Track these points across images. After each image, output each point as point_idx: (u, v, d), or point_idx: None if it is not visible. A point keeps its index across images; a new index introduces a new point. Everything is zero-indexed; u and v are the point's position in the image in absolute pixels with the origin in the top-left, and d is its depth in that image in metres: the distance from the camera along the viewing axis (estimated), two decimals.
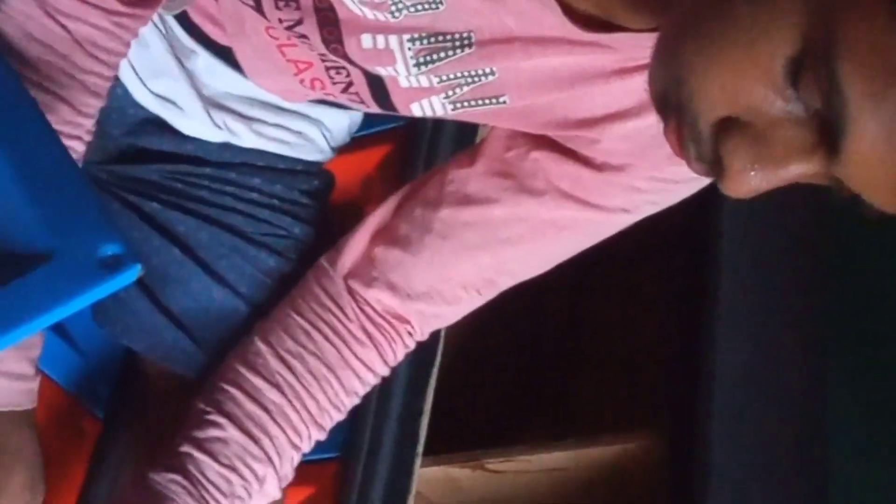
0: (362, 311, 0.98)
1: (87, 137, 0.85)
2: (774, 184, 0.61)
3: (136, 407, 1.07)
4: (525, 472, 1.47)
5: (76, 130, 0.83)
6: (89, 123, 0.84)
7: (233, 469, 0.92)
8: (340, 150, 1.17)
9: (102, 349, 1.10)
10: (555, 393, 1.64)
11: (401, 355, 1.01)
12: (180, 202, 1.05)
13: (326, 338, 0.97)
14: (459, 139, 1.34)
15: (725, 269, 1.49)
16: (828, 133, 0.58)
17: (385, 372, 1.00)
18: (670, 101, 0.64)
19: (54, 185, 0.69)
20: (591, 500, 1.48)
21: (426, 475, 1.38)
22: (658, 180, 0.90)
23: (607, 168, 0.89)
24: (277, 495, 0.96)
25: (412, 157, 1.32)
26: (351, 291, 0.98)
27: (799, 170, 0.61)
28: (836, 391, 1.65)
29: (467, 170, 0.96)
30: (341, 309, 0.97)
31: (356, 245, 0.99)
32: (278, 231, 1.07)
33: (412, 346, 1.01)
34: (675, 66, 0.63)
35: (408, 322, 0.98)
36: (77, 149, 0.84)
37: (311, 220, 1.10)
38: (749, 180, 0.61)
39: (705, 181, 0.90)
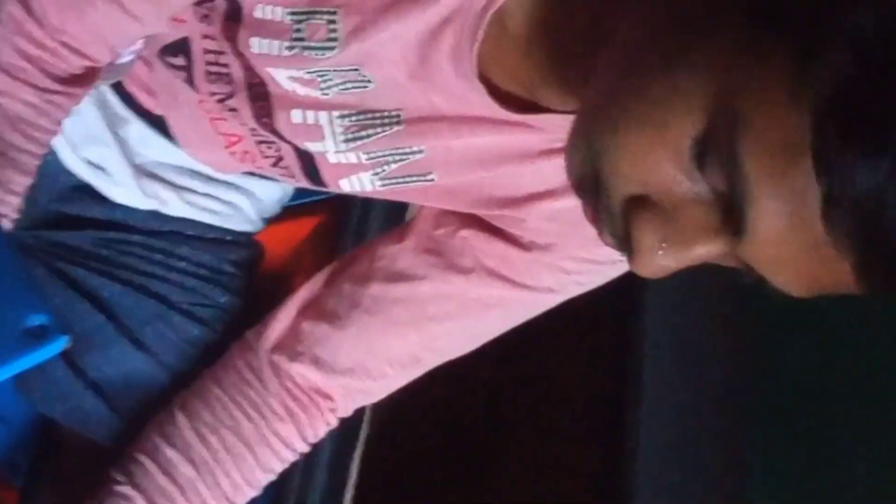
0: (284, 386, 0.97)
1: (14, 215, 0.84)
2: (682, 263, 0.63)
3: (53, 476, 1.05)
4: None
5: (3, 208, 0.83)
6: (16, 201, 0.84)
7: None
8: (271, 219, 1.17)
9: (22, 418, 1.08)
10: (480, 462, 1.64)
11: (322, 432, 1.00)
12: (107, 269, 1.04)
13: (244, 412, 0.96)
14: (390, 211, 1.34)
15: (649, 347, 1.51)
16: (732, 214, 0.59)
17: (304, 449, 0.99)
18: (586, 177, 0.65)
19: None
20: None
21: None
22: (585, 261, 0.91)
23: (534, 247, 0.91)
24: None
25: (343, 229, 1.33)
26: (274, 366, 0.97)
27: (705, 250, 0.62)
28: (756, 465, 1.68)
29: (397, 246, 0.96)
30: (263, 383, 0.97)
31: (283, 318, 0.98)
32: (205, 300, 1.07)
33: (334, 423, 1.00)
34: (589, 142, 0.64)
35: (331, 398, 0.98)
36: (4, 226, 0.84)
37: (237, 290, 1.10)
38: (657, 259, 0.62)
39: None
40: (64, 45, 0.81)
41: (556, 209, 0.87)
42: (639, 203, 0.62)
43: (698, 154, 0.60)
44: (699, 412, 1.58)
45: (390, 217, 1.34)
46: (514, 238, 0.91)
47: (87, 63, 0.83)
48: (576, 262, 0.91)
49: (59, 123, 0.85)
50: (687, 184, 0.60)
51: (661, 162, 0.61)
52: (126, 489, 0.92)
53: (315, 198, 1.30)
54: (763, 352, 1.70)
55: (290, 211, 1.25)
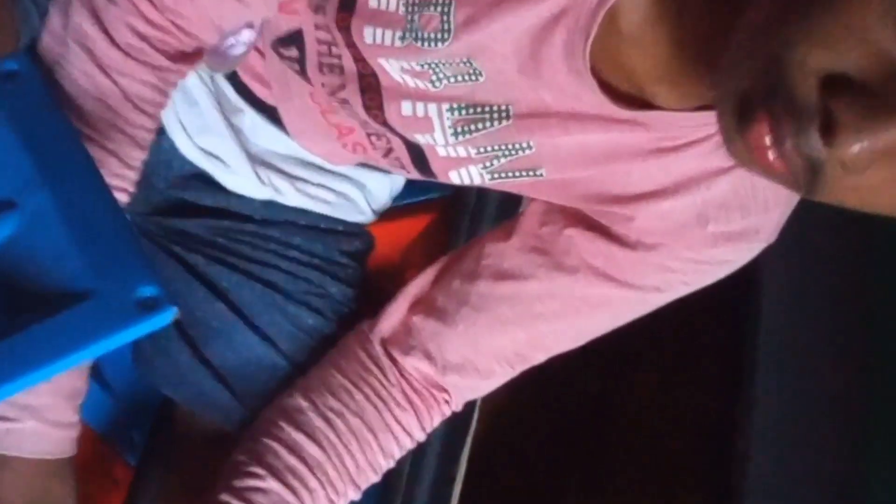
0: (402, 377, 0.99)
1: (132, 189, 0.87)
2: (893, 141, 0.58)
3: (169, 456, 1.08)
4: None
5: (122, 182, 0.85)
6: (134, 175, 0.86)
7: None
8: (385, 216, 1.18)
9: (138, 397, 1.11)
10: (588, 465, 1.63)
11: (437, 422, 1.01)
12: (223, 257, 1.07)
13: (368, 399, 0.98)
14: (503, 210, 1.35)
15: (763, 350, 1.49)
16: None
17: (421, 437, 1.00)
18: (755, 88, 0.61)
19: (98, 229, 0.71)
20: None
21: None
22: (692, 261, 0.90)
23: (641, 247, 0.90)
24: None
25: (455, 227, 1.34)
26: (390, 357, 0.99)
27: None
28: (876, 476, 1.63)
29: (504, 244, 0.97)
30: (383, 372, 0.99)
31: (395, 313, 1.00)
32: (317, 290, 1.09)
33: (448, 414, 1.01)
34: (765, 48, 0.61)
35: (445, 391, 0.99)
36: (122, 199, 0.86)
37: (349, 280, 1.11)
38: (868, 138, 0.58)
39: (739, 263, 0.91)
40: (175, 24, 0.83)
41: (664, 208, 0.86)
42: (835, 84, 0.58)
43: None
44: (815, 421, 1.55)
45: (503, 215, 1.34)
46: (621, 237, 0.90)
47: (195, 43, 0.85)
48: (682, 262, 0.90)
49: (168, 97, 0.87)
50: (894, 53, 0.58)
51: (864, 31, 0.58)
52: (255, 468, 0.94)
53: (428, 196, 1.32)
54: (882, 355, 1.66)
55: (405, 209, 1.26)
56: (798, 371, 1.55)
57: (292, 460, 0.94)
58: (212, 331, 1.05)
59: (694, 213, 0.86)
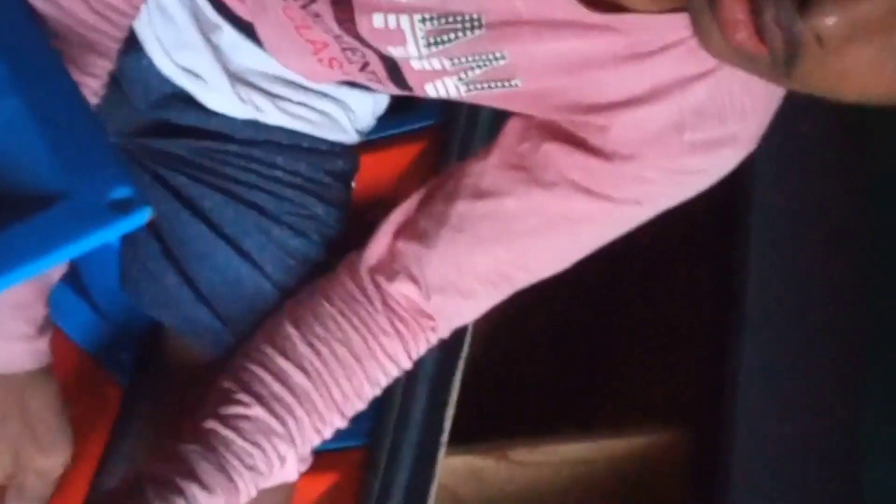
0: (387, 304, 0.98)
1: (94, 100, 0.85)
2: (872, 13, 0.56)
3: (158, 377, 1.09)
4: (550, 463, 1.47)
5: (83, 90, 0.83)
6: (96, 84, 0.85)
7: (256, 445, 0.93)
8: (375, 145, 1.18)
9: (127, 317, 1.12)
10: (583, 386, 1.64)
11: (423, 350, 1.01)
12: (206, 177, 1.06)
13: (354, 327, 0.98)
14: (493, 136, 1.35)
15: (754, 270, 1.49)
16: None
17: (408, 365, 1.01)
18: None
19: (69, 130, 0.71)
20: (615, 495, 1.48)
21: (450, 466, 1.39)
22: (669, 171, 0.90)
23: (618, 157, 0.89)
24: (294, 476, 0.97)
25: (446, 154, 1.34)
26: (376, 284, 0.99)
27: None
28: (870, 396, 1.64)
29: (483, 163, 0.96)
30: (369, 300, 0.99)
31: (380, 240, 1.00)
32: (301, 210, 1.09)
33: (434, 342, 1.01)
34: None
35: (430, 317, 0.99)
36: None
37: (333, 200, 1.11)
38: (839, 7, 0.56)
39: (722, 171, 0.90)
40: None
41: (639, 116, 0.86)
42: None
43: None
44: (807, 340, 1.55)
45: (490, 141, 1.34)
46: (597, 149, 0.90)
47: None
48: (660, 172, 0.89)
49: (136, 8, 0.85)
50: None
51: None
52: (242, 396, 0.94)
53: (419, 125, 1.31)
54: (880, 281, 1.67)
55: (394, 138, 1.26)
56: (790, 291, 1.55)
57: (278, 388, 0.95)
58: (196, 252, 1.06)
59: (670, 120, 0.86)
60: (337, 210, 1.12)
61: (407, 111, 1.29)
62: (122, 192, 0.69)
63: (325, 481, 1.15)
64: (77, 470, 1.01)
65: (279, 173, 1.09)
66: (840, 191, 1.66)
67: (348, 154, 1.15)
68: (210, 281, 1.05)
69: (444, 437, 1.19)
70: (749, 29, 0.59)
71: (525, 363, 1.67)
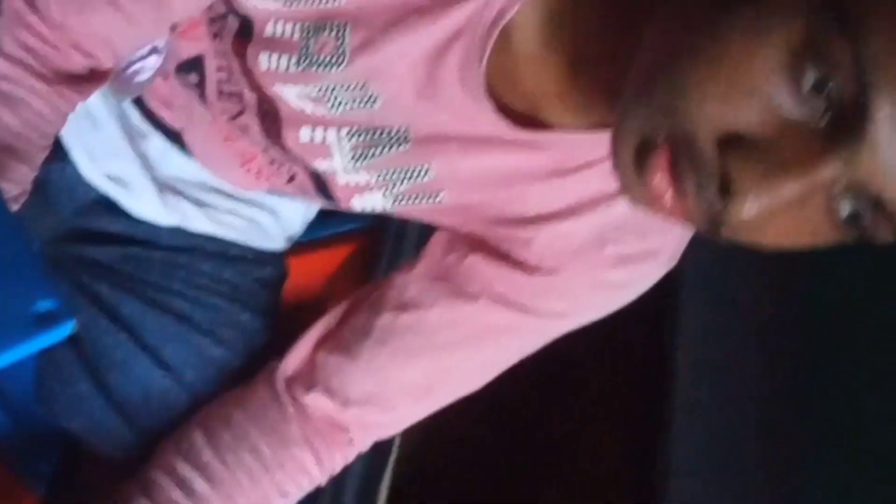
0: (302, 414, 0.98)
1: (14, 206, 0.84)
2: (791, 197, 0.59)
3: (74, 487, 1.07)
4: None
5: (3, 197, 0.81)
6: (17, 191, 0.84)
7: None
8: (304, 248, 1.18)
9: (45, 427, 1.10)
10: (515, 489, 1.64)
11: (339, 465, 1.00)
12: (130, 285, 1.05)
13: (264, 435, 0.97)
14: (423, 241, 1.35)
15: (681, 378, 1.51)
16: (846, 123, 0.57)
17: (321, 478, 0.99)
18: (653, 139, 0.62)
19: None
20: None
21: None
22: (593, 285, 0.91)
23: (541, 271, 0.90)
24: None
25: (376, 258, 1.34)
26: (292, 395, 0.98)
27: (816, 177, 0.59)
28: (805, 487, 1.65)
29: (408, 274, 0.97)
30: (281, 409, 0.98)
31: (301, 350, 0.99)
32: (226, 318, 1.08)
33: (351, 456, 1.00)
34: (660, 95, 0.62)
35: (346, 430, 0.98)
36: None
37: (259, 308, 1.11)
38: (764, 198, 0.59)
39: (644, 286, 0.92)
40: (66, 40, 0.81)
41: (563, 231, 0.87)
42: (731, 143, 0.59)
43: (797, 71, 0.58)
44: (736, 425, 1.58)
45: (422, 245, 1.35)
46: (521, 262, 0.90)
47: (90, 63, 0.83)
48: (583, 286, 0.91)
49: (64, 117, 0.85)
50: (786, 109, 0.59)
51: (754, 90, 0.59)
52: (142, 502, 0.93)
53: (349, 227, 1.32)
54: (806, 373, 1.69)
55: (324, 240, 1.26)
56: (718, 391, 1.57)
57: (178, 495, 0.93)
58: (114, 362, 1.04)
59: (592, 234, 0.87)
60: (263, 318, 1.11)
61: (337, 212, 1.29)
62: (46, 305, 0.68)
63: None
64: None
65: (205, 281, 1.08)
66: (768, 284, 1.69)
67: (276, 261, 1.15)
68: (125, 390, 1.04)
69: None
70: (675, 204, 0.63)
71: (455, 462, 1.67)
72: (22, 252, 0.70)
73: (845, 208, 0.61)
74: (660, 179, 0.63)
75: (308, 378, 0.97)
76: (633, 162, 0.64)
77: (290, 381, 0.98)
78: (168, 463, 0.95)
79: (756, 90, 0.59)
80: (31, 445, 1.11)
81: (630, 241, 0.87)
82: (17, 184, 0.83)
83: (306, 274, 1.25)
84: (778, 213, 0.61)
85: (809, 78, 0.58)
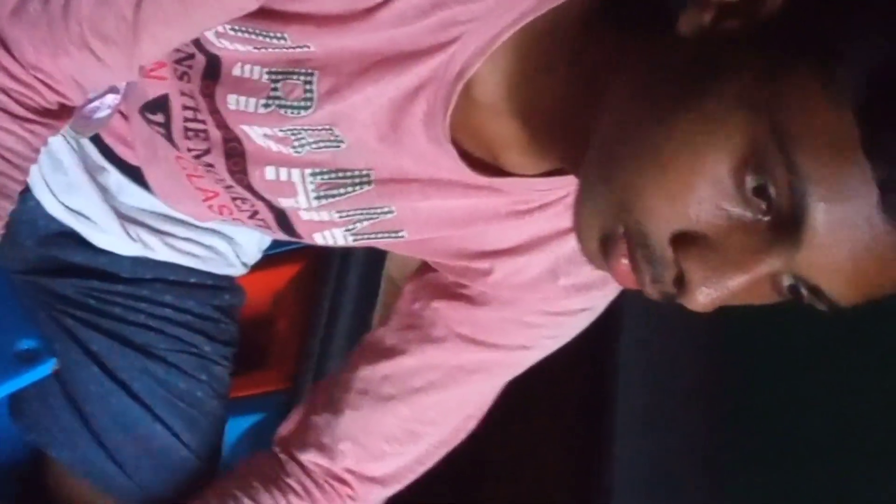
0: (301, 469, 1.01)
1: None
2: (740, 288, 0.65)
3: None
4: None
5: None
6: None
7: None
8: (253, 267, 1.20)
9: (10, 451, 1.10)
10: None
11: None
12: (94, 319, 1.07)
13: (265, 485, 1.00)
14: (370, 258, 1.38)
15: (622, 402, 1.54)
16: (785, 226, 0.62)
17: None
18: (615, 231, 0.67)
19: None
20: None
21: None
22: (549, 314, 0.94)
23: (498, 304, 0.94)
24: None
25: (323, 275, 1.36)
26: (289, 453, 1.02)
27: (760, 271, 0.64)
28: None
29: (384, 329, 1.01)
30: (282, 466, 1.02)
31: (295, 416, 1.04)
32: (189, 349, 1.10)
33: None
34: (614, 195, 0.67)
35: (347, 485, 1.02)
36: None
37: (222, 338, 1.13)
38: (714, 289, 0.65)
39: (597, 310, 0.96)
40: (39, 80, 0.83)
41: (520, 263, 0.91)
42: (683, 240, 0.65)
43: (740, 178, 0.63)
44: (676, 450, 1.61)
45: (369, 264, 1.38)
46: (480, 298, 0.95)
47: (61, 100, 0.85)
48: (540, 315, 0.95)
49: (37, 151, 0.86)
50: (731, 211, 0.64)
51: (701, 193, 0.64)
52: None
53: (295, 245, 1.34)
54: (740, 392, 1.72)
55: (271, 259, 1.28)
56: (657, 415, 1.61)
57: None
58: (90, 394, 1.06)
59: (546, 268, 0.91)
60: (223, 347, 1.14)
61: None
62: (27, 343, 0.71)
63: None
64: None
65: (168, 311, 1.10)
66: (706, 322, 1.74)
67: (235, 288, 1.17)
68: (105, 423, 1.06)
69: None
70: (636, 283, 0.69)
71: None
72: (3, 294, 0.72)
73: (787, 281, 0.66)
74: (623, 266, 0.68)
75: (301, 439, 1.02)
76: (599, 250, 0.70)
77: (284, 441, 1.03)
78: None
79: (703, 196, 0.64)
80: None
81: (582, 271, 0.91)
82: (2, 219, 0.85)
83: (256, 292, 1.27)
84: (727, 298, 0.66)
85: (751, 183, 0.63)
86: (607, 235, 0.69)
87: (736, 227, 0.64)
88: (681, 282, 0.66)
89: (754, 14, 0.66)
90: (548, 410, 1.70)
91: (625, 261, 0.68)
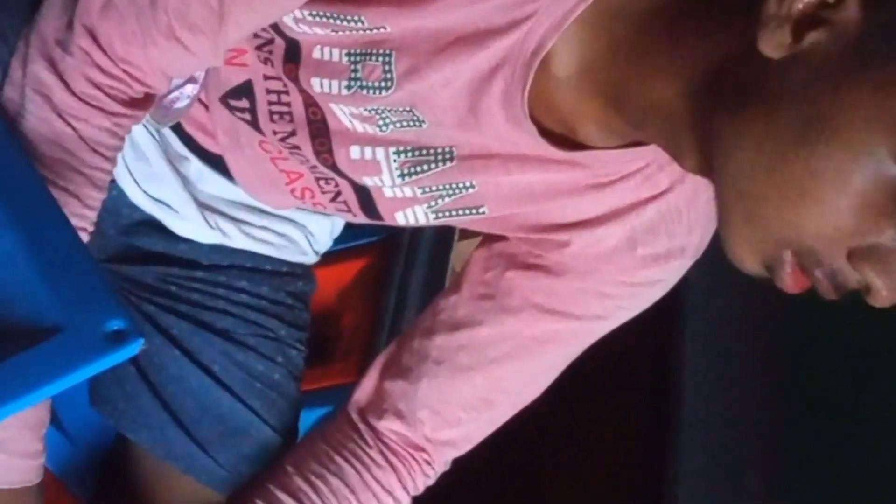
0: (380, 439, 1.03)
1: (91, 228, 0.89)
2: None
3: (119, 496, 1.10)
4: None
5: (83, 222, 0.88)
6: (93, 215, 0.89)
7: None
8: (322, 262, 1.22)
9: (93, 438, 1.13)
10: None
11: (420, 484, 1.05)
12: (174, 305, 1.10)
13: (347, 461, 1.02)
14: (435, 252, 1.39)
15: (687, 395, 1.54)
16: None
17: (405, 499, 1.04)
18: (781, 257, 0.69)
19: (65, 265, 0.74)
20: None
21: None
22: (626, 284, 0.96)
23: (576, 274, 0.95)
24: None
25: (390, 269, 1.38)
26: (367, 423, 1.04)
27: None
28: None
29: (455, 296, 1.02)
30: (361, 436, 1.03)
31: (368, 383, 1.05)
32: (265, 333, 1.12)
33: (432, 475, 1.05)
34: (772, 231, 0.69)
35: (423, 451, 1.04)
36: (84, 238, 0.89)
37: (296, 322, 1.15)
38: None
39: (671, 281, 0.97)
40: (127, 73, 0.86)
41: (598, 236, 0.92)
42: (860, 252, 0.67)
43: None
44: (739, 442, 1.61)
45: (435, 258, 1.39)
46: (557, 269, 0.96)
47: (147, 90, 0.88)
48: (617, 286, 0.96)
49: (123, 140, 0.90)
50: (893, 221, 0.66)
51: (863, 213, 0.66)
52: None
53: (363, 242, 1.36)
54: (806, 403, 1.72)
55: (341, 253, 1.30)
56: (722, 408, 1.60)
57: None
58: (171, 376, 1.09)
59: (624, 238, 0.92)
60: (297, 331, 1.16)
61: (353, 226, 1.33)
62: (116, 324, 0.72)
63: None
64: None
65: (244, 297, 1.12)
66: (771, 303, 1.73)
67: (307, 275, 1.19)
68: (185, 404, 1.09)
69: None
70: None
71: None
72: (91, 274, 0.74)
73: None
74: (798, 279, 0.70)
75: (378, 406, 1.03)
76: (762, 268, 0.72)
77: (363, 411, 1.04)
78: (264, 492, 1.01)
79: (865, 215, 0.66)
80: (78, 456, 1.14)
81: (660, 241, 0.93)
82: (94, 209, 0.89)
83: (324, 286, 1.29)
84: None
85: None
86: (772, 261, 0.70)
87: None
88: (867, 290, 0.68)
89: (835, 23, 0.67)
90: (613, 402, 1.70)
91: (793, 279, 0.70)
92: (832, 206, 0.66)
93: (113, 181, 1.05)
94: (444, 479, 1.06)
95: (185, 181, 1.08)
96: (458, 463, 1.06)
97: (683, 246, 0.94)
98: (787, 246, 0.69)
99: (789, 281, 0.70)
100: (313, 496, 1.00)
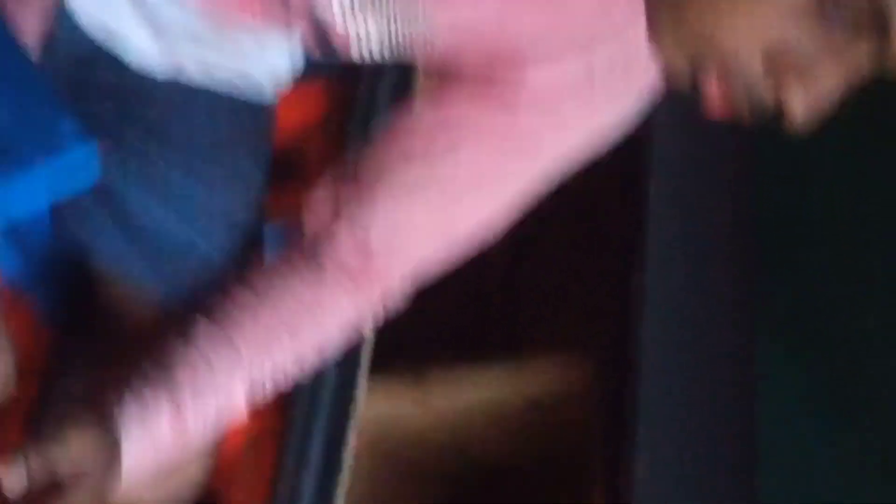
0: (333, 262, 1.01)
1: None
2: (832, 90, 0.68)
3: (90, 316, 1.10)
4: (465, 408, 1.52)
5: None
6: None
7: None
8: (282, 91, 1.21)
9: (54, 256, 1.13)
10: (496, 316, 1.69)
11: (375, 308, 1.04)
12: (129, 140, 1.10)
13: (301, 280, 1.00)
14: (399, 81, 1.38)
15: (654, 212, 1.56)
16: (872, 27, 0.66)
17: (359, 320, 1.04)
18: (702, 67, 0.71)
19: (23, 92, 0.73)
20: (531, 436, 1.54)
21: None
22: (584, 119, 0.96)
23: (533, 110, 0.94)
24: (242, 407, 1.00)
25: (352, 97, 1.36)
26: (320, 248, 1.01)
27: (849, 72, 0.68)
28: (764, 330, 1.71)
29: (412, 123, 1.00)
30: (315, 259, 1.01)
31: (318, 210, 1.02)
32: (225, 165, 1.13)
33: (390, 301, 1.04)
34: (696, 33, 0.70)
35: (379, 275, 1.02)
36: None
37: (258, 157, 1.16)
38: (810, 108, 0.68)
39: (626, 119, 0.97)
40: None
41: (554, 71, 0.92)
42: (774, 64, 0.68)
43: None
44: (707, 279, 1.63)
45: (399, 85, 1.38)
46: (513, 104, 0.95)
47: None
48: (574, 120, 0.96)
49: None
50: (815, 27, 0.67)
51: (782, 17, 0.67)
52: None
53: (324, 70, 1.34)
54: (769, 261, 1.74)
55: (301, 83, 1.28)
56: (690, 234, 1.62)
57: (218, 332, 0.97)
58: (129, 198, 1.08)
59: (581, 73, 0.92)
60: (259, 164, 1.16)
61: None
62: (67, 126, 0.72)
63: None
64: (14, 409, 1.04)
65: (203, 131, 1.12)
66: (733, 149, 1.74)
67: (266, 110, 1.19)
68: (141, 223, 1.09)
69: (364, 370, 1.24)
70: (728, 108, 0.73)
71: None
72: (38, 81, 0.74)
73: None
74: (716, 95, 0.72)
75: (330, 232, 1.01)
76: (690, 83, 0.73)
77: (315, 237, 1.02)
78: (205, 306, 0.99)
79: (783, 13, 0.67)
80: (40, 276, 1.14)
81: (617, 78, 0.93)
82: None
83: (285, 117, 1.27)
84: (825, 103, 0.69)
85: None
86: (698, 66, 0.71)
87: (822, 37, 0.67)
88: (780, 103, 0.69)
89: None
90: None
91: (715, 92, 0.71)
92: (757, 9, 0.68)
93: (65, 10, 1.05)
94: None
95: (142, 7, 1.06)
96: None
97: (638, 85, 0.94)
98: (708, 47, 0.70)
99: (712, 95, 0.71)
100: (266, 309, 0.98)
